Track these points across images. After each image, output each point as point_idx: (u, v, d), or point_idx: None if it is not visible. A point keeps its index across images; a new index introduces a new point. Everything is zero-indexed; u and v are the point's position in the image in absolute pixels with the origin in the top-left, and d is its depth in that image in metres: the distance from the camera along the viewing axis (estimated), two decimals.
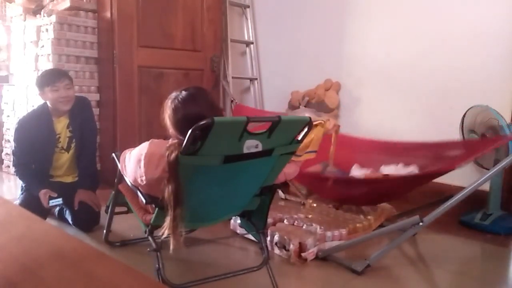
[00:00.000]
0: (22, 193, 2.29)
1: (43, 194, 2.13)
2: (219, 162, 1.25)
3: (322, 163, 2.55)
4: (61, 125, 2.29)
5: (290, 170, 1.58)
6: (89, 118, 2.41)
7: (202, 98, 1.41)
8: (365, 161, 2.57)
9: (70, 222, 2.25)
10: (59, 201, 2.15)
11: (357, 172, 2.51)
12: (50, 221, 2.37)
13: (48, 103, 2.24)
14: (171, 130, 1.40)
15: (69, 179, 2.37)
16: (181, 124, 1.33)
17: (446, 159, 2.22)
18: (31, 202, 2.12)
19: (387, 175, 2.29)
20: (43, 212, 2.18)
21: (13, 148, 2.30)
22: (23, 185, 2.29)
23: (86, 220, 2.21)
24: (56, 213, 2.36)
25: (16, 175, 2.30)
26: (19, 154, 2.25)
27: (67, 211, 2.29)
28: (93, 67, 3.12)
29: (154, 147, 1.34)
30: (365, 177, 2.33)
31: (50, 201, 2.13)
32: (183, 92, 1.40)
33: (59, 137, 2.28)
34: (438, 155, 2.27)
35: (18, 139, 2.25)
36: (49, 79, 2.18)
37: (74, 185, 2.31)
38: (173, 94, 1.41)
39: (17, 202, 2.24)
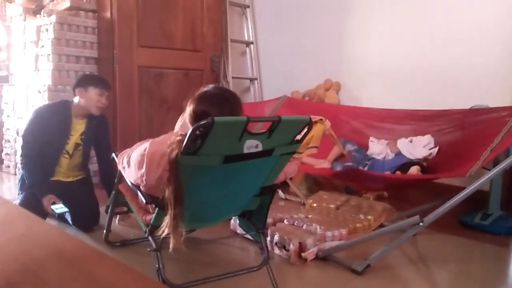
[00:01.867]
0: (21, 193, 2.27)
1: (47, 200, 2.12)
2: (219, 162, 1.24)
3: (341, 140, 2.66)
4: (76, 129, 2.29)
5: (290, 169, 1.57)
6: (106, 136, 2.43)
7: (227, 103, 1.40)
8: (381, 133, 2.70)
9: (70, 222, 2.24)
10: (63, 208, 2.12)
11: (375, 146, 2.66)
12: (50, 221, 2.37)
13: (79, 102, 2.24)
14: (188, 122, 1.38)
15: (69, 179, 2.36)
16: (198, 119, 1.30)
17: (456, 128, 2.36)
18: (31, 202, 2.11)
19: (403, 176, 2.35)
20: (43, 212, 2.17)
21: (24, 138, 2.24)
22: (26, 182, 2.23)
23: (86, 220, 2.20)
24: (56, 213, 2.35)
25: (22, 169, 2.23)
26: (30, 145, 2.20)
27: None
28: (93, 67, 3.12)
29: (155, 146, 1.34)
30: (383, 176, 2.36)
31: (54, 207, 2.11)
32: (212, 92, 1.40)
33: (69, 139, 2.28)
34: (449, 122, 2.41)
35: (33, 129, 2.20)
36: (99, 82, 2.25)
37: (73, 185, 2.31)
38: (200, 91, 1.40)
39: (17, 202, 2.23)
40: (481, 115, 2.28)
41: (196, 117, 1.29)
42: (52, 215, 2.27)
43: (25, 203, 2.16)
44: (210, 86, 1.43)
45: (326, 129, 1.84)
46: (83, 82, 2.24)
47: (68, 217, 2.26)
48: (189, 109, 1.37)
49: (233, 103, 1.41)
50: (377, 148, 2.65)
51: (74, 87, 2.25)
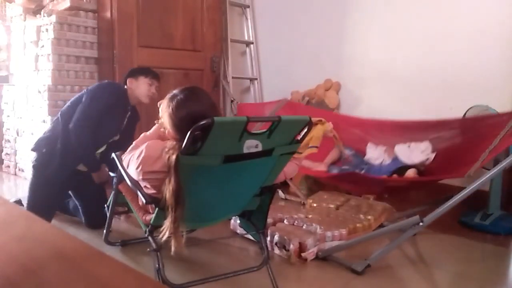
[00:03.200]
0: (29, 195, 2.22)
1: (102, 170, 2.19)
2: (219, 162, 1.25)
3: (337, 146, 2.61)
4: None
5: (289, 169, 1.57)
6: (134, 131, 2.44)
7: (204, 96, 1.41)
8: (379, 140, 2.69)
9: (82, 218, 2.26)
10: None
11: (372, 151, 2.63)
12: (60, 216, 2.40)
13: (130, 91, 2.28)
14: (169, 129, 1.38)
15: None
16: (183, 123, 1.31)
17: (455, 136, 2.34)
18: (39, 203, 2.11)
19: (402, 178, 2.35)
20: (50, 214, 2.18)
21: (86, 113, 2.14)
22: (78, 150, 2.14)
23: (98, 219, 2.15)
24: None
25: (78, 138, 2.11)
26: (90, 121, 2.14)
27: (70, 204, 2.31)
28: (93, 67, 3.12)
29: (150, 151, 1.34)
30: (381, 179, 2.35)
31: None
32: (185, 91, 1.39)
33: None
34: (448, 131, 2.38)
35: (98, 105, 2.16)
36: (150, 73, 2.31)
37: (89, 179, 2.26)
38: (172, 93, 1.40)
39: (24, 204, 2.21)
40: (479, 122, 2.28)
41: (195, 118, 1.27)
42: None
43: (32, 205, 2.15)
44: (179, 89, 1.41)
45: (329, 130, 1.83)
46: (134, 72, 2.31)
47: (76, 211, 2.29)
48: (177, 115, 1.34)
49: (209, 95, 1.44)
50: (375, 154, 2.63)
51: (126, 78, 2.30)
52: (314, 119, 1.85)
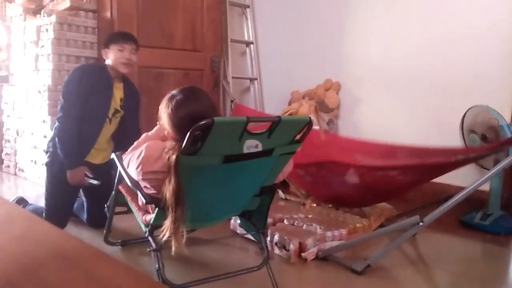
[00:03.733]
0: (45, 194, 2.19)
1: (81, 170, 2.04)
2: (219, 162, 1.25)
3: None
4: (116, 92, 2.21)
5: (285, 168, 1.57)
6: (139, 107, 2.35)
7: (204, 96, 1.41)
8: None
9: (85, 216, 2.25)
10: (95, 181, 2.02)
11: (352, 177, 2.39)
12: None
13: (109, 62, 2.16)
14: (168, 130, 1.38)
15: (98, 159, 2.22)
16: (183, 123, 1.31)
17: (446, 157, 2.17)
18: (55, 215, 2.10)
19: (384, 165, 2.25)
20: (64, 223, 2.16)
21: (66, 99, 2.08)
22: (60, 151, 2.06)
23: (102, 219, 2.05)
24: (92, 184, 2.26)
25: (58, 131, 2.05)
26: (74, 106, 2.06)
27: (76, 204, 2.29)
28: None
29: (149, 151, 1.35)
30: (361, 168, 2.26)
31: (88, 179, 2.02)
32: (184, 91, 1.39)
33: (111, 100, 2.18)
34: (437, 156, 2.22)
35: (77, 89, 2.06)
36: (118, 38, 2.16)
37: (98, 168, 2.18)
38: (171, 94, 1.40)
39: (43, 214, 2.17)
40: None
41: (194, 118, 1.27)
42: (90, 185, 2.09)
43: (49, 215, 2.12)
44: (178, 89, 1.40)
45: (306, 113, 1.74)
46: (106, 41, 2.18)
47: (78, 211, 2.28)
48: (177, 115, 1.34)
49: (207, 95, 1.43)
50: (355, 177, 2.48)
51: (102, 50, 2.20)
52: (286, 112, 1.81)
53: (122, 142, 2.14)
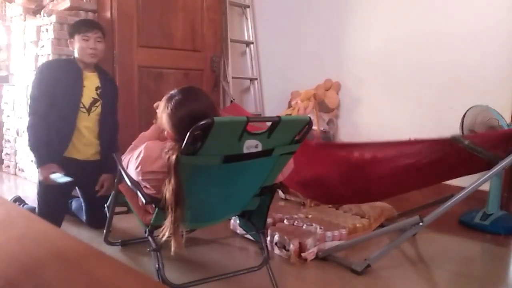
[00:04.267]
0: (37, 204, 2.17)
1: (46, 168, 1.97)
2: (219, 162, 1.25)
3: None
4: (90, 81, 2.15)
5: (285, 168, 1.57)
6: (117, 98, 2.29)
7: (203, 96, 1.41)
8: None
9: (84, 217, 2.24)
10: (64, 177, 1.92)
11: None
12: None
13: (76, 53, 2.12)
14: (168, 130, 1.38)
15: (86, 154, 2.17)
16: (182, 123, 1.30)
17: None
18: (49, 211, 2.08)
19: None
20: (60, 220, 2.15)
21: (32, 94, 2.07)
22: (29, 144, 2.05)
23: (100, 216, 2.03)
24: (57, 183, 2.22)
25: (28, 128, 2.03)
26: (39, 102, 2.04)
27: (72, 204, 2.29)
28: None
29: (149, 151, 1.35)
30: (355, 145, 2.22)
31: (54, 177, 1.93)
32: (183, 91, 1.39)
33: (83, 91, 2.12)
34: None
35: (41, 84, 2.05)
36: (81, 27, 2.10)
37: (89, 165, 2.15)
38: (170, 94, 1.40)
39: (36, 211, 2.15)
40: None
41: (194, 117, 1.27)
42: (55, 185, 2.00)
43: (43, 212, 2.11)
44: (171, 92, 1.40)
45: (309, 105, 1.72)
46: (70, 32, 2.12)
47: (78, 211, 2.27)
48: (177, 115, 1.34)
49: (207, 94, 1.43)
50: None
51: (68, 41, 2.15)
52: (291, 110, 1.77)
53: (105, 134, 2.18)
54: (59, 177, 1.93)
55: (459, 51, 2.66)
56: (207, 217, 1.54)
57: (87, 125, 2.16)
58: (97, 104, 2.17)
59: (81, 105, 2.12)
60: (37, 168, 2.02)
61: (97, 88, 2.17)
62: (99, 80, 2.18)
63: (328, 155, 2.20)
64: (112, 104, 2.26)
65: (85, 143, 2.17)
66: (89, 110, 2.15)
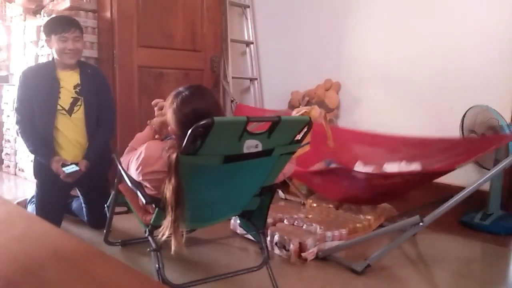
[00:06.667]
0: (32, 201, 2.20)
1: (55, 161, 1.97)
2: (219, 162, 1.25)
3: (325, 161, 2.54)
4: (67, 81, 2.09)
5: (286, 168, 1.57)
6: (106, 89, 2.21)
7: (209, 95, 1.42)
8: (368, 158, 2.57)
9: (85, 218, 2.24)
10: (74, 167, 1.98)
11: (360, 169, 2.49)
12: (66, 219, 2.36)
13: (54, 54, 2.08)
14: (172, 126, 1.39)
15: (76, 156, 2.11)
16: (187, 118, 1.31)
17: (448, 157, 2.20)
18: (47, 210, 2.08)
19: (389, 173, 2.28)
20: (59, 218, 2.15)
21: (16, 103, 2.10)
22: (29, 150, 2.07)
23: (101, 216, 2.00)
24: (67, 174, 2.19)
25: (21, 136, 2.09)
26: (21, 109, 2.05)
27: (73, 204, 2.29)
28: None
29: (150, 151, 1.35)
30: (368, 175, 2.30)
31: (65, 169, 1.96)
32: (190, 88, 1.40)
33: (60, 92, 2.06)
34: (440, 152, 2.26)
35: (20, 91, 2.06)
36: (58, 27, 2.03)
37: (96, 173, 2.15)
38: (178, 90, 1.41)
39: (30, 209, 2.16)
40: (475, 144, 2.21)
41: (199, 114, 1.27)
42: (66, 177, 2.02)
43: (40, 211, 2.11)
44: (179, 89, 1.41)
45: (317, 116, 1.73)
46: (46, 31, 2.06)
47: (78, 211, 2.27)
48: (182, 111, 1.35)
49: (212, 93, 1.45)
50: (363, 170, 2.51)
51: (45, 40, 2.09)
52: (299, 111, 1.81)
53: (98, 129, 2.14)
54: (70, 168, 1.99)
55: (459, 51, 2.66)
56: (207, 217, 1.54)
57: (70, 126, 2.10)
58: (78, 103, 2.10)
59: (59, 108, 2.07)
60: (49, 165, 2.02)
61: (75, 86, 2.10)
62: (79, 76, 2.11)
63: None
64: (98, 99, 2.15)
65: (74, 145, 2.13)
66: (70, 111, 2.10)
